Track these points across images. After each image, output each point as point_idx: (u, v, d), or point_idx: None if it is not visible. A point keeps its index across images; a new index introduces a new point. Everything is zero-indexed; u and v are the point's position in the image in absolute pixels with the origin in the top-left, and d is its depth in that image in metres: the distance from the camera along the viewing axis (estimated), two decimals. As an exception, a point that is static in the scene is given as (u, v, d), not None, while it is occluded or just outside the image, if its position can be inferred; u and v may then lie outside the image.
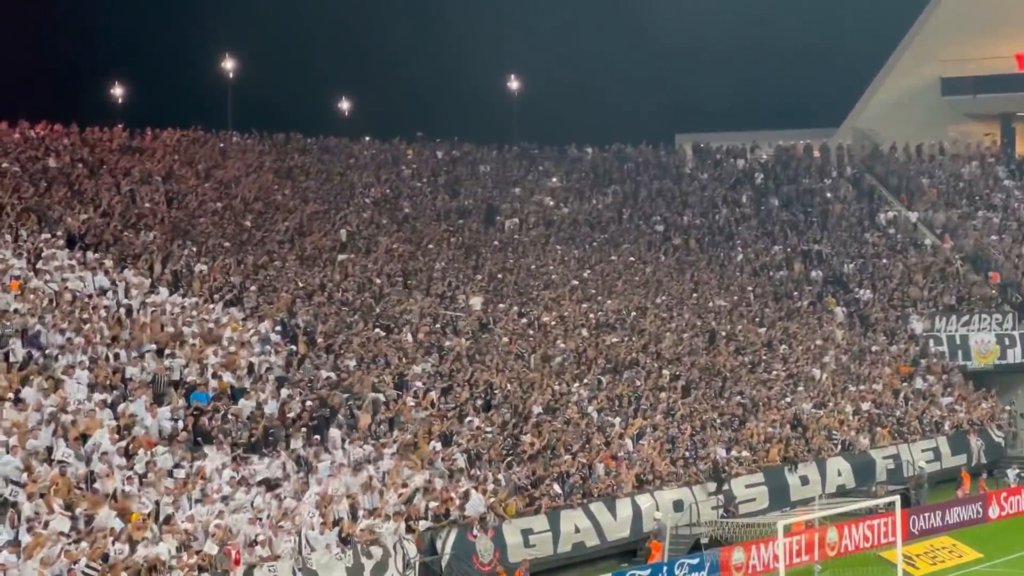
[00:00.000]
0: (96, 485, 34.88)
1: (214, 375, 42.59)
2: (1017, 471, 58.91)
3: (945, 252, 74.42)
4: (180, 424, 39.60)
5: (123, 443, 37.14)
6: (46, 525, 32.44)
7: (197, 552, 33.84)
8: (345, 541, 37.53)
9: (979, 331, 68.74)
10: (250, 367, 44.32)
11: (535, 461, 45.42)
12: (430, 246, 63.07)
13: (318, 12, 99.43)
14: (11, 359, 39.38)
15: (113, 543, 32.76)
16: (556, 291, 62.23)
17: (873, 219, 77.75)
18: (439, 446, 43.96)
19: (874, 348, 66.00)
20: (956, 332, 68.61)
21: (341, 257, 57.88)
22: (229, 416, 41.00)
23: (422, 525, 39.86)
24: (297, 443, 41.17)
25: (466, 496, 41.49)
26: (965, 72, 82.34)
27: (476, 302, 57.40)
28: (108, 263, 48.05)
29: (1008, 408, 64.80)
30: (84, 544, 32.16)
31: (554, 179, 77.91)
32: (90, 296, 44.89)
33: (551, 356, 54.52)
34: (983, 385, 66.28)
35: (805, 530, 46.56)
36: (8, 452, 34.56)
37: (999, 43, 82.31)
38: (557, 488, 44.54)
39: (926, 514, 51.58)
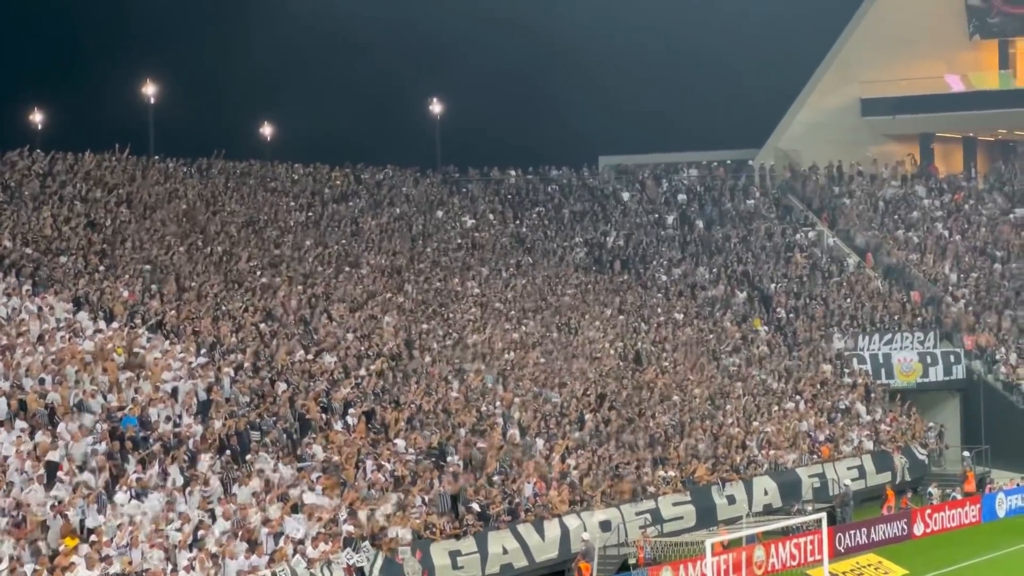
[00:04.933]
0: (14, 513, 34.37)
1: (138, 399, 42.11)
2: (940, 488, 59.02)
3: (867, 271, 75.01)
4: (104, 448, 39.13)
5: (43, 471, 36.66)
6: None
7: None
8: (269, 566, 37.16)
9: (901, 349, 69.32)
10: (174, 391, 43.88)
11: (461, 482, 45.22)
12: (355, 269, 62.79)
13: (237, 38, 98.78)
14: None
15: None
16: (480, 312, 62.13)
17: (796, 239, 78.22)
18: (365, 468, 43.69)
19: (798, 367, 66.32)
20: (879, 351, 69.10)
21: (265, 280, 57.51)
22: (151, 440, 40.58)
23: (347, 548, 39.53)
24: (219, 467, 40.77)
25: (392, 518, 41.22)
26: (885, 92, 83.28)
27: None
28: (27, 288, 47.48)
29: (932, 426, 65.20)
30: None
31: (477, 201, 77.83)
32: (10, 321, 44.32)
33: (476, 377, 54.36)
34: (906, 403, 66.60)
35: (732, 549, 46.59)
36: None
37: (918, 64, 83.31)
38: (477, 507, 44.30)
39: (852, 531, 51.80)
